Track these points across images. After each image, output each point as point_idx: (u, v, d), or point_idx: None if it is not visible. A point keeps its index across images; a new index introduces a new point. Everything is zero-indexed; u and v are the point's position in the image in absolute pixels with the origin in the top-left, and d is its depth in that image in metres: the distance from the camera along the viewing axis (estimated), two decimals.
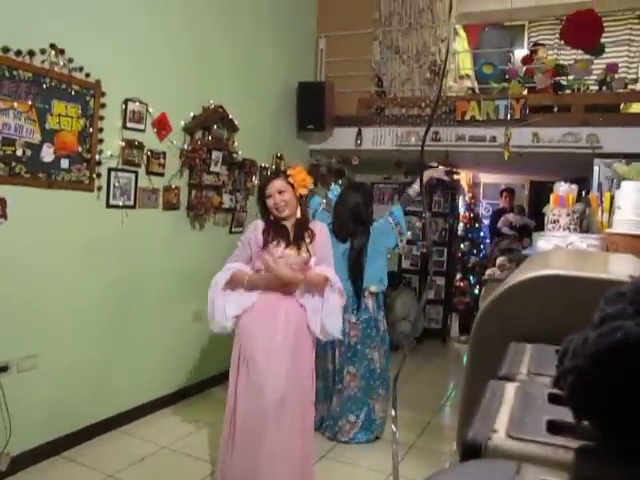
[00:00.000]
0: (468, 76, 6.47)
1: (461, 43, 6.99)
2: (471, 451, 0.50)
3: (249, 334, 2.82)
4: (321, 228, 3.06)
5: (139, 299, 3.87)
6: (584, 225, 2.96)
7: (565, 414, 0.53)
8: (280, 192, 2.90)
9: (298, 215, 2.98)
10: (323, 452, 3.54)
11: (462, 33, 7.11)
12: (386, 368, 3.84)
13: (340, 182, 5.01)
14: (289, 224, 2.95)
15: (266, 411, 2.70)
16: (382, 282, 3.88)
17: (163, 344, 4.13)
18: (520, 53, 6.86)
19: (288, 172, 2.96)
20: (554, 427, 0.51)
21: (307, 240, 2.92)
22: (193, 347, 4.46)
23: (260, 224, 2.98)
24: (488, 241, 8.36)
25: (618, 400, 0.42)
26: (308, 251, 2.89)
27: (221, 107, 4.47)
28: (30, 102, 3.05)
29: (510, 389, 0.62)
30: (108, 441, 3.58)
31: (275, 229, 2.92)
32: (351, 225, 3.81)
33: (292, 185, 2.93)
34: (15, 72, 2.96)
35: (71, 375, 3.41)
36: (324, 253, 2.97)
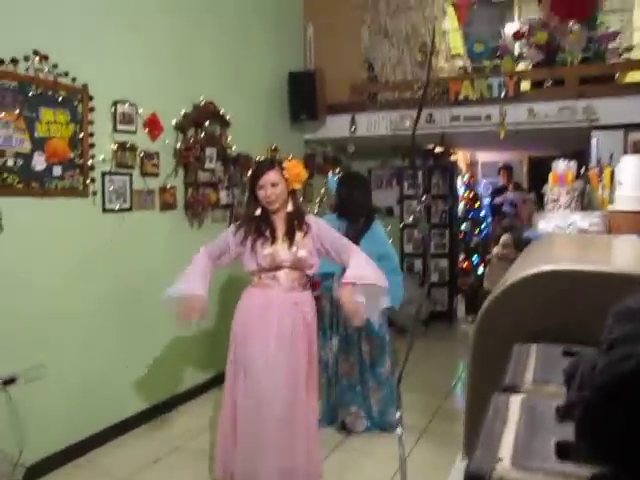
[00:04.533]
0: (459, 55, 6.38)
1: (451, 22, 6.88)
2: None
3: (244, 336, 2.80)
4: (316, 221, 2.97)
5: (141, 302, 3.83)
6: (585, 202, 2.90)
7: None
8: (273, 185, 2.81)
9: (289, 209, 2.88)
10: (334, 445, 3.52)
11: (451, 12, 6.99)
12: (378, 363, 3.72)
13: (337, 171, 4.94)
14: (278, 218, 2.88)
15: (265, 415, 2.66)
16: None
17: (168, 347, 4.11)
18: (511, 28, 6.75)
19: (283, 164, 2.89)
20: (563, 450, 0.48)
21: (300, 234, 2.84)
22: (197, 348, 4.44)
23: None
24: (490, 220, 8.33)
25: (632, 439, 0.38)
26: (299, 246, 2.81)
27: (212, 103, 4.42)
28: (17, 111, 3.00)
29: (515, 404, 0.59)
30: (119, 446, 3.58)
31: (259, 226, 2.85)
32: (350, 216, 3.76)
33: (285, 178, 2.86)
34: (0, 82, 2.92)
35: (78, 384, 3.39)
36: (333, 240, 2.90)
